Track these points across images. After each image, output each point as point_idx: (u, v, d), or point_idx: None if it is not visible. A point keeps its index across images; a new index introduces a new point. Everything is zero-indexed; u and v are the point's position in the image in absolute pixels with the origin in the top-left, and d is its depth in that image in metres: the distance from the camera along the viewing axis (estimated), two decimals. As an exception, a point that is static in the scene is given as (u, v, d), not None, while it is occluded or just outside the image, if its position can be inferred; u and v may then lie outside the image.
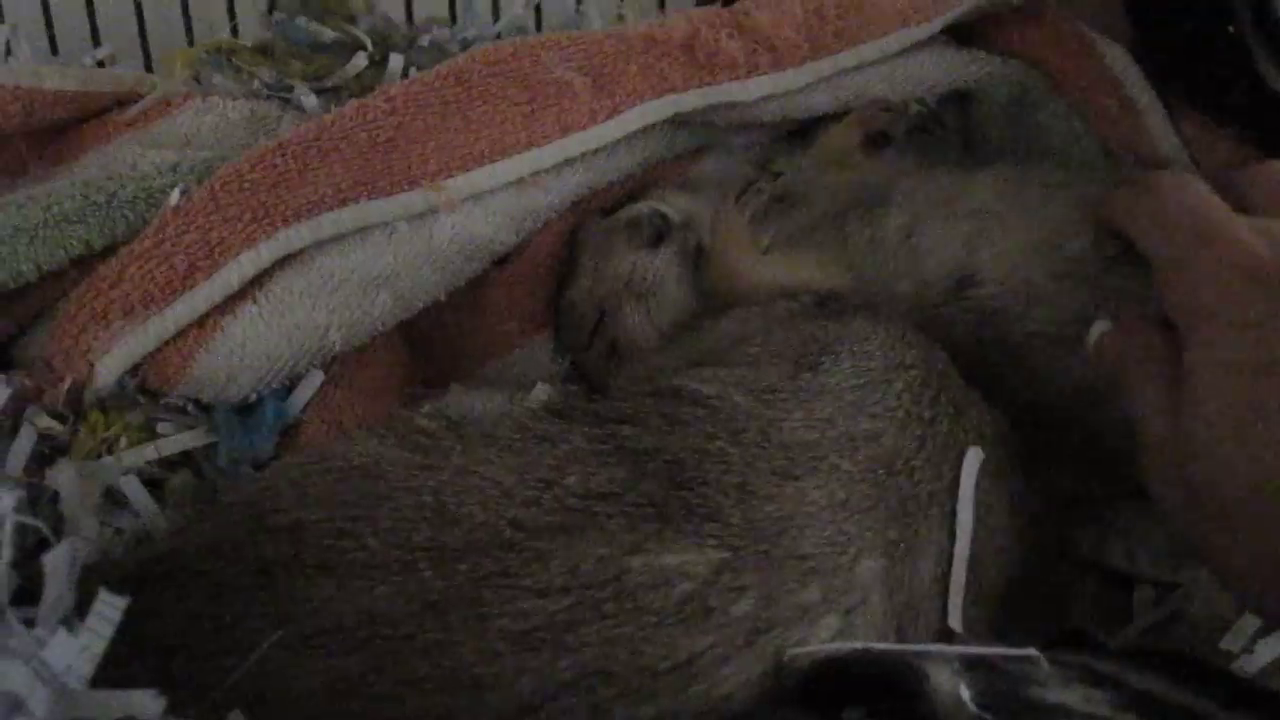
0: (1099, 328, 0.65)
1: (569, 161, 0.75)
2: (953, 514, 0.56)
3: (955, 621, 0.53)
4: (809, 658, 0.47)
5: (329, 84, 0.90)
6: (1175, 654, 0.59)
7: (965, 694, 0.38)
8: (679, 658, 0.47)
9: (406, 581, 0.49)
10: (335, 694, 0.46)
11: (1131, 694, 0.43)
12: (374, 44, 0.94)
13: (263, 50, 0.92)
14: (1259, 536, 0.51)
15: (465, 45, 0.97)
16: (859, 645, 0.47)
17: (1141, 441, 0.58)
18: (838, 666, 0.44)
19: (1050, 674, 0.43)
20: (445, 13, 1.03)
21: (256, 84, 0.88)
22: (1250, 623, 0.64)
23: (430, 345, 0.79)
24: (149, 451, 0.64)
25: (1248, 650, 0.63)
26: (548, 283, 0.82)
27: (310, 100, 0.87)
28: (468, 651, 0.47)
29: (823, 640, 0.49)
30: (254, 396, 0.68)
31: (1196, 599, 0.66)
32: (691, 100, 0.78)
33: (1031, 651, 0.44)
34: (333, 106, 0.79)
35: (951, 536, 0.55)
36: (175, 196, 0.68)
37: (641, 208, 0.79)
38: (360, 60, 0.91)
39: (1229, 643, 0.63)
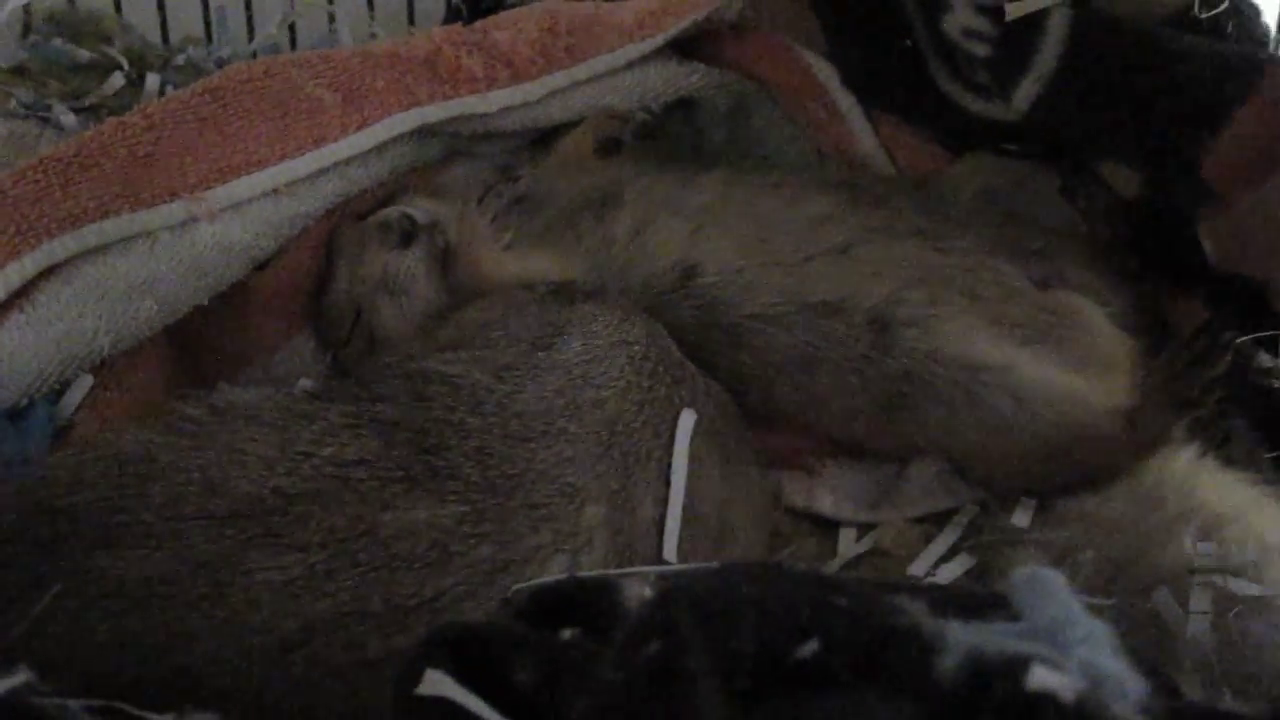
0: None
1: (322, 171, 0.80)
2: (668, 467, 0.64)
3: (670, 554, 0.61)
4: (529, 589, 0.54)
5: (87, 103, 0.93)
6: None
7: (649, 594, 0.45)
8: (426, 595, 0.54)
9: (179, 547, 0.54)
10: (118, 647, 0.52)
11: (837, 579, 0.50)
12: (130, 64, 0.97)
13: (18, 71, 0.94)
14: None
15: (221, 64, 1.00)
16: (567, 576, 0.55)
17: None
18: (553, 594, 0.51)
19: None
20: (200, 32, 1.06)
21: (14, 104, 0.90)
22: (934, 551, 0.74)
23: (198, 347, 0.82)
24: (-78, 455, 0.67)
25: (931, 574, 0.73)
26: (307, 285, 0.86)
27: (69, 119, 0.90)
28: (235, 602, 0.52)
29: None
30: (25, 401, 0.71)
31: (889, 536, 0.76)
32: (435, 112, 0.84)
33: (715, 565, 0.52)
34: (91, 125, 0.82)
35: (668, 486, 0.63)
36: (-62, 214, 0.70)
37: (391, 211, 0.85)
38: (117, 80, 0.95)
39: (916, 569, 0.73)
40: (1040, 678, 0.29)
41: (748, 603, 0.35)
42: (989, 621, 0.31)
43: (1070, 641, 0.30)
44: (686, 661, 0.33)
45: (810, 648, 0.33)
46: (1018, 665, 0.29)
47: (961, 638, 0.30)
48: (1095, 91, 0.77)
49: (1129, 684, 0.29)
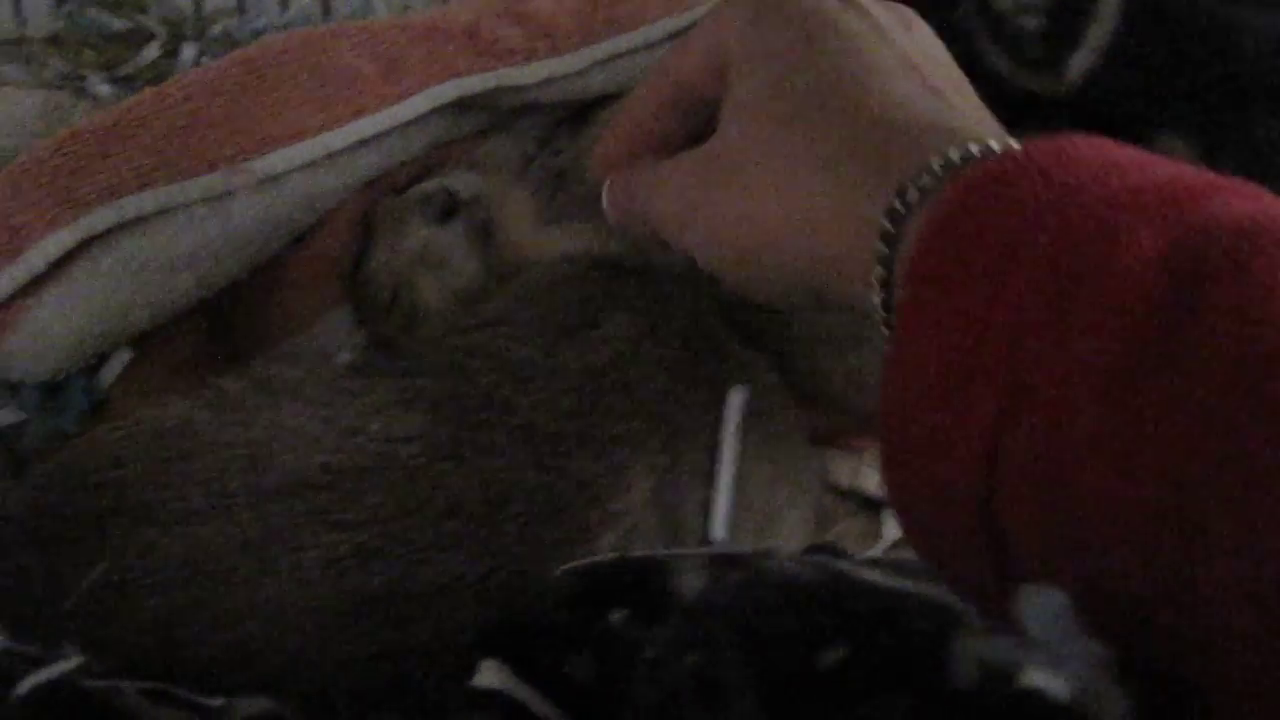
0: None
1: (361, 143, 0.79)
2: (717, 444, 0.63)
3: (718, 534, 0.60)
4: (578, 569, 0.53)
5: (122, 73, 0.92)
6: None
7: (698, 580, 0.45)
8: (475, 574, 0.53)
9: (224, 524, 0.53)
10: (162, 626, 0.51)
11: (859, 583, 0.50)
12: (165, 33, 0.96)
13: (53, 41, 0.94)
14: None
15: (255, 35, 0.99)
16: (617, 555, 0.54)
17: None
18: (602, 575, 0.50)
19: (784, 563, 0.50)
20: (233, 2, 1.05)
21: (49, 74, 0.90)
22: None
23: (235, 321, 0.82)
24: (-44, 430, 0.67)
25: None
26: (345, 259, 0.85)
27: (104, 89, 0.89)
28: (283, 580, 0.52)
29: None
30: (62, 375, 0.71)
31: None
32: (475, 84, 0.83)
33: (771, 544, 0.52)
34: (126, 95, 0.82)
35: (715, 464, 0.62)
36: (-26, 186, 0.70)
37: (431, 185, 0.83)
38: (153, 50, 0.94)
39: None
40: (1033, 677, 0.30)
41: (777, 611, 0.35)
42: (995, 633, 0.32)
43: (1066, 658, 0.30)
44: (725, 676, 0.33)
45: (833, 656, 0.33)
46: (1014, 667, 0.30)
47: (970, 646, 0.31)
48: (1150, 63, 0.76)
49: (1120, 704, 0.30)
